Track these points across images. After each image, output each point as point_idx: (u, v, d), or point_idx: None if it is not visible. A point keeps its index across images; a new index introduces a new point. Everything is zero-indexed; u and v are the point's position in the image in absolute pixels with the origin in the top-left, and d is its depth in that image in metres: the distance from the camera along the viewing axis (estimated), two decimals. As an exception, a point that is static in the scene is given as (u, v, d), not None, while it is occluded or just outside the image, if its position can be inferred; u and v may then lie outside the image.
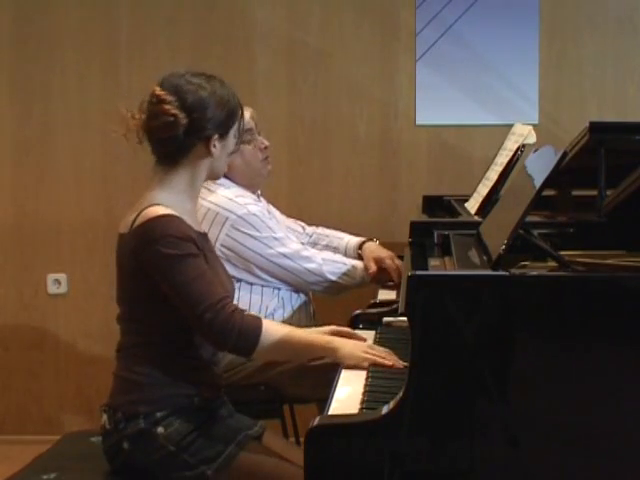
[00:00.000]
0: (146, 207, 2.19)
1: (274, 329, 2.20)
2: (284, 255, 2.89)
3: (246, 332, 2.14)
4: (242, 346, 2.17)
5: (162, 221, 2.15)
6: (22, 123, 4.06)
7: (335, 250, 3.17)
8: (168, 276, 2.14)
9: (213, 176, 2.34)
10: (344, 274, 2.97)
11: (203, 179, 2.30)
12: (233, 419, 2.29)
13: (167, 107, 2.17)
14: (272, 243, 2.88)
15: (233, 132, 2.27)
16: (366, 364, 2.17)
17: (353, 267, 3.00)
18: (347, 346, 2.22)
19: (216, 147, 2.24)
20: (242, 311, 2.18)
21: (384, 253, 3.05)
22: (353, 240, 3.21)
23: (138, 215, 2.18)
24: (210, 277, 2.17)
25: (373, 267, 2.99)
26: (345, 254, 3.14)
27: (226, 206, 2.84)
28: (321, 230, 3.32)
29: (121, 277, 2.25)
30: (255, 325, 2.16)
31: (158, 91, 2.20)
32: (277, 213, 3.20)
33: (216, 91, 2.22)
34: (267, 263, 2.88)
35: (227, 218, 2.83)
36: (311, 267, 2.92)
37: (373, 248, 3.10)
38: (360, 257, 3.09)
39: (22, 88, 4.05)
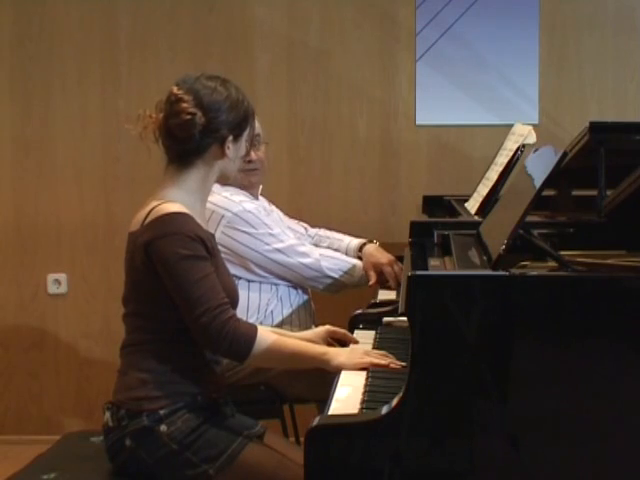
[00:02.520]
0: (159, 204, 2.20)
1: (268, 339, 2.20)
2: (279, 251, 2.89)
3: (239, 341, 2.15)
4: (234, 353, 2.19)
5: (175, 218, 2.17)
6: (22, 123, 4.06)
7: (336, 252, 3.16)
8: (172, 274, 2.15)
9: (223, 178, 2.36)
10: (343, 271, 2.96)
11: (214, 181, 2.33)
12: (235, 418, 2.29)
13: (185, 105, 2.21)
14: (268, 239, 2.88)
15: (245, 135, 2.31)
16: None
17: (353, 265, 2.99)
18: (341, 356, 2.23)
19: (230, 149, 2.27)
20: (238, 319, 2.19)
21: (384, 258, 3.03)
22: (354, 242, 3.20)
23: (150, 212, 2.19)
24: (213, 281, 2.17)
25: (373, 277, 2.97)
26: (346, 255, 3.13)
27: (222, 204, 2.84)
28: (322, 232, 3.32)
29: (129, 274, 2.26)
30: (249, 334, 2.17)
31: (176, 90, 2.24)
32: (280, 214, 3.20)
33: (231, 94, 2.27)
34: (263, 259, 2.88)
35: (223, 216, 2.83)
36: (307, 262, 2.92)
37: (373, 252, 3.07)
38: (361, 259, 3.08)
39: (22, 88, 4.05)
